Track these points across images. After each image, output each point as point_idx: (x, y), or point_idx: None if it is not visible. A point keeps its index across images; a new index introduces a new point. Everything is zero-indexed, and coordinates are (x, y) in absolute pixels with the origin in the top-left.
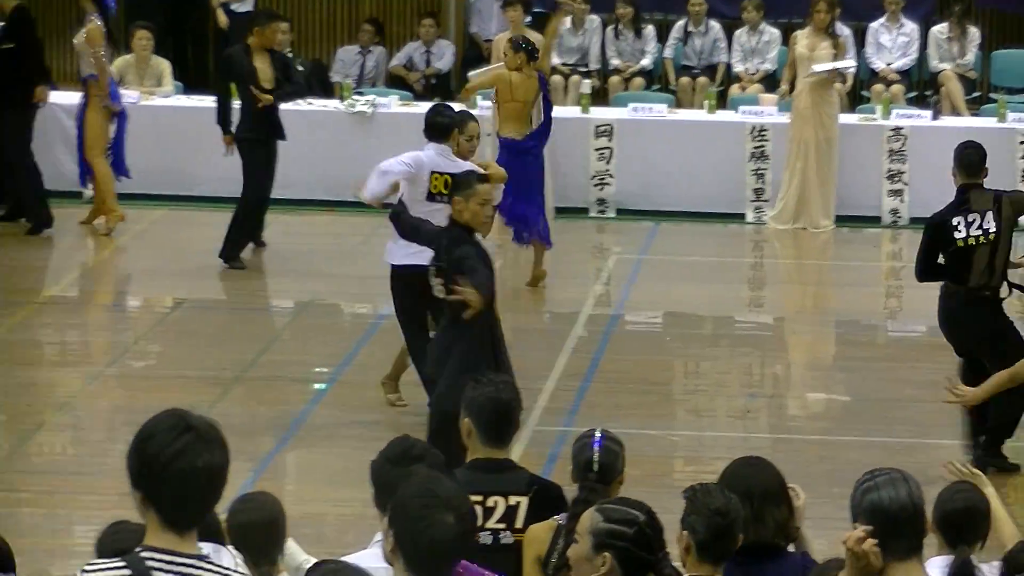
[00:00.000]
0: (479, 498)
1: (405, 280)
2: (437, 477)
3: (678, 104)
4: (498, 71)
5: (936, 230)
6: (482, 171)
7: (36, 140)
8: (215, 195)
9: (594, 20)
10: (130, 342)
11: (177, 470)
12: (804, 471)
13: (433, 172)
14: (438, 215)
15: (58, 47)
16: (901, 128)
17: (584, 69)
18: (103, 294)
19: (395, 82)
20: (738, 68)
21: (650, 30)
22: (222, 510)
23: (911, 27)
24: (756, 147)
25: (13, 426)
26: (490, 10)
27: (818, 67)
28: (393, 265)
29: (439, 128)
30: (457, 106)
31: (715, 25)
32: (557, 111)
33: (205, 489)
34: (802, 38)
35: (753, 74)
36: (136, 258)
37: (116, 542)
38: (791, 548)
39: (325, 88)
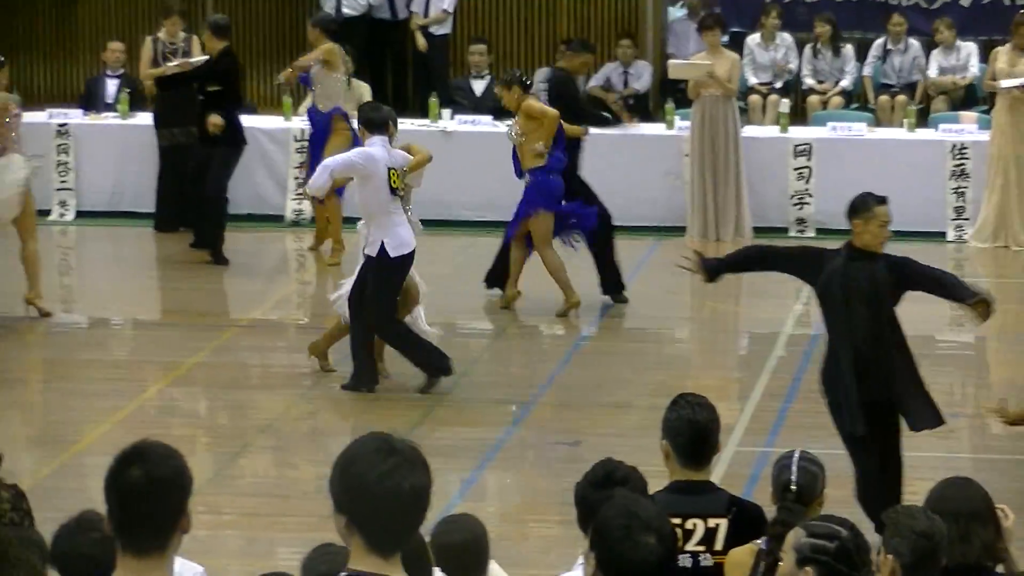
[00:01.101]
0: (678, 520)
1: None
2: (638, 499)
3: (877, 123)
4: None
5: None
6: (410, 156)
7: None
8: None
9: (786, 37)
10: (333, 364)
11: (382, 493)
12: (1007, 491)
13: (390, 168)
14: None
15: (259, 70)
16: None
17: (779, 87)
18: (305, 317)
19: (593, 103)
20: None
21: (849, 49)
22: (426, 532)
23: None
24: (956, 165)
25: (217, 448)
26: (687, 31)
27: (1005, 83)
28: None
29: (377, 122)
30: (655, 127)
31: (914, 43)
32: (755, 130)
33: (410, 512)
34: (1002, 54)
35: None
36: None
37: (322, 565)
38: (999, 569)
39: None
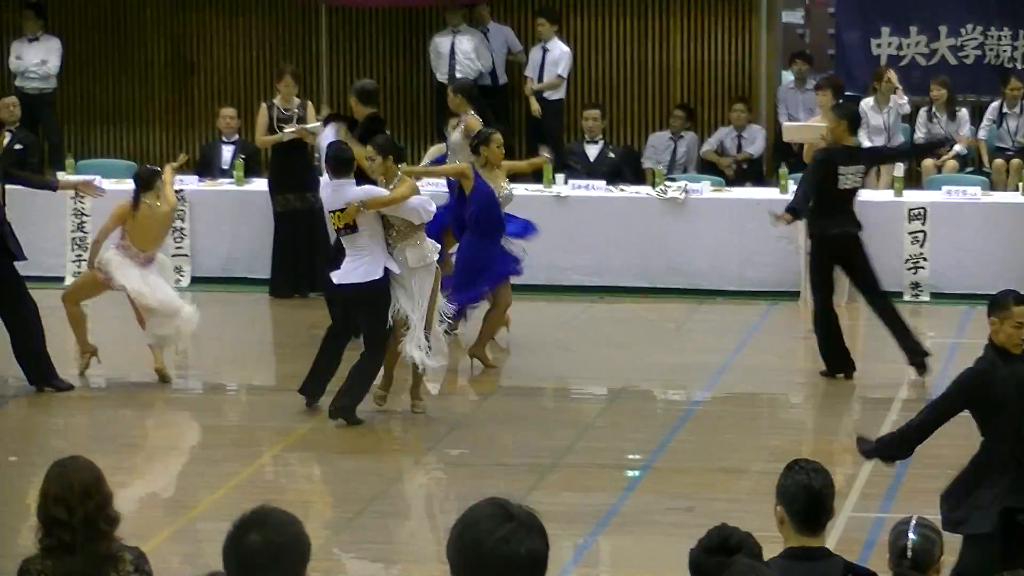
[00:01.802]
0: None
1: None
2: (755, 566)
3: (992, 186)
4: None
5: None
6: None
7: None
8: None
9: (901, 101)
10: (446, 429)
11: (499, 558)
12: None
13: (330, 211)
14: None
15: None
16: None
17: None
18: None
19: (707, 167)
20: None
21: (964, 112)
22: None
23: None
24: None
25: (332, 512)
26: (795, 99)
27: None
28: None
29: (342, 164)
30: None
31: None
32: (870, 194)
33: None
34: None
35: None
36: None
37: None
38: None
39: (637, 174)
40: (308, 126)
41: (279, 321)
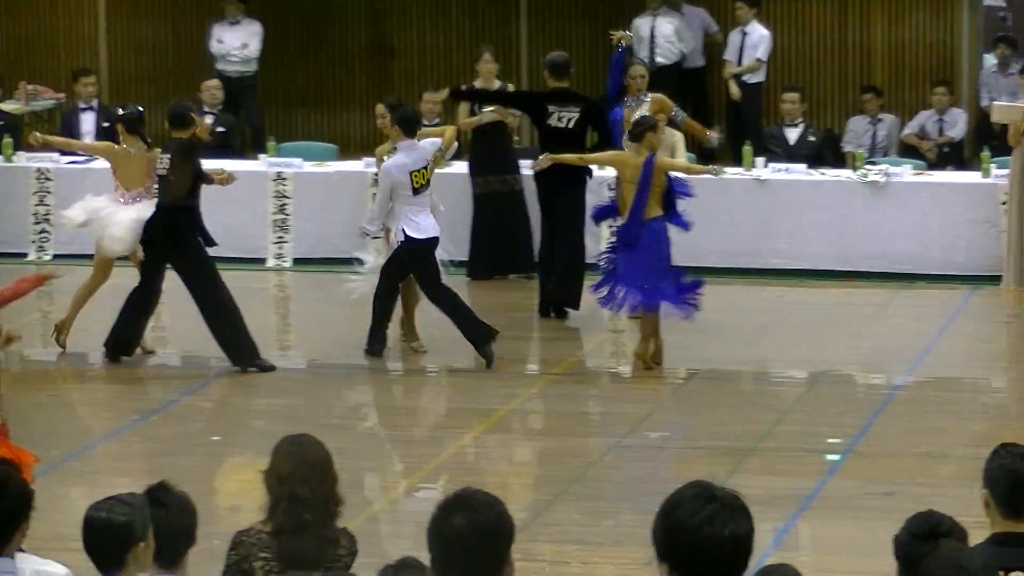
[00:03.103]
0: (1002, 573)
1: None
2: (964, 550)
3: None
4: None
5: None
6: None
7: None
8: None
9: None
10: (646, 412)
11: (704, 539)
12: None
13: (411, 172)
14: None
15: None
16: None
17: None
18: (619, 365)
19: (907, 151)
20: None
21: None
22: None
23: None
24: None
25: (533, 494)
26: (998, 83)
27: None
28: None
29: (413, 122)
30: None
31: None
32: None
33: (731, 558)
34: None
35: None
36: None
37: None
38: None
39: (837, 157)
40: (509, 108)
41: (478, 303)
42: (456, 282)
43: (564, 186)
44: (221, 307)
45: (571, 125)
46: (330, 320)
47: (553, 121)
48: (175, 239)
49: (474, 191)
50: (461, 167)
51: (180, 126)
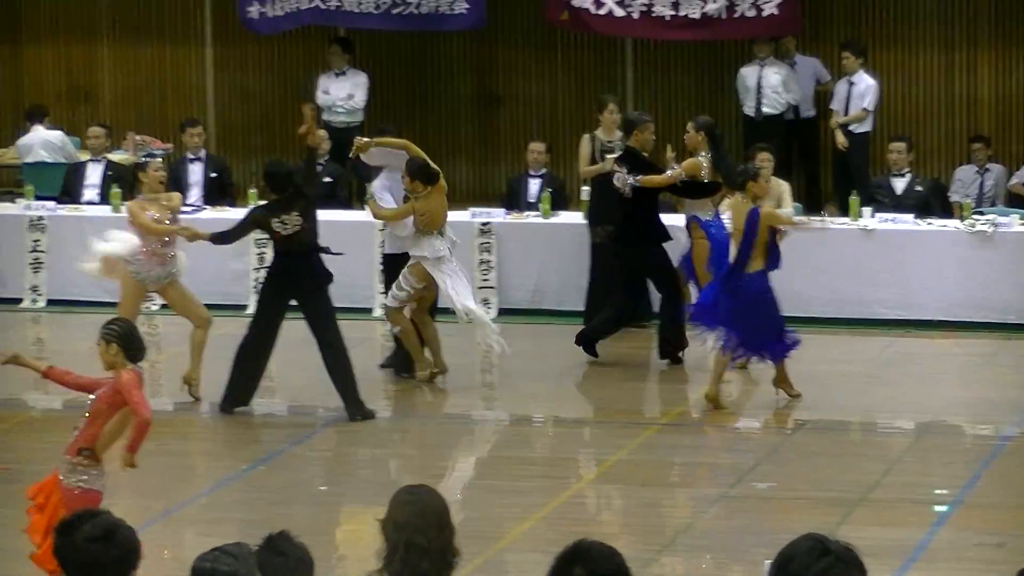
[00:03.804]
0: None
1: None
2: None
3: None
4: None
5: None
6: None
7: None
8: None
9: None
10: (752, 463)
11: None
12: None
13: None
14: None
15: None
16: None
17: None
18: (720, 416)
19: (1015, 201)
20: None
21: None
22: None
23: None
24: None
25: (640, 545)
26: None
27: None
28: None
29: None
30: None
31: None
32: None
33: None
34: None
35: None
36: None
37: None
38: None
39: (944, 207)
40: None
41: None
42: (566, 331)
43: (646, 243)
44: (338, 353)
45: (624, 189)
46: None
47: (614, 181)
48: (307, 285)
49: (592, 240)
50: (568, 216)
51: (279, 189)
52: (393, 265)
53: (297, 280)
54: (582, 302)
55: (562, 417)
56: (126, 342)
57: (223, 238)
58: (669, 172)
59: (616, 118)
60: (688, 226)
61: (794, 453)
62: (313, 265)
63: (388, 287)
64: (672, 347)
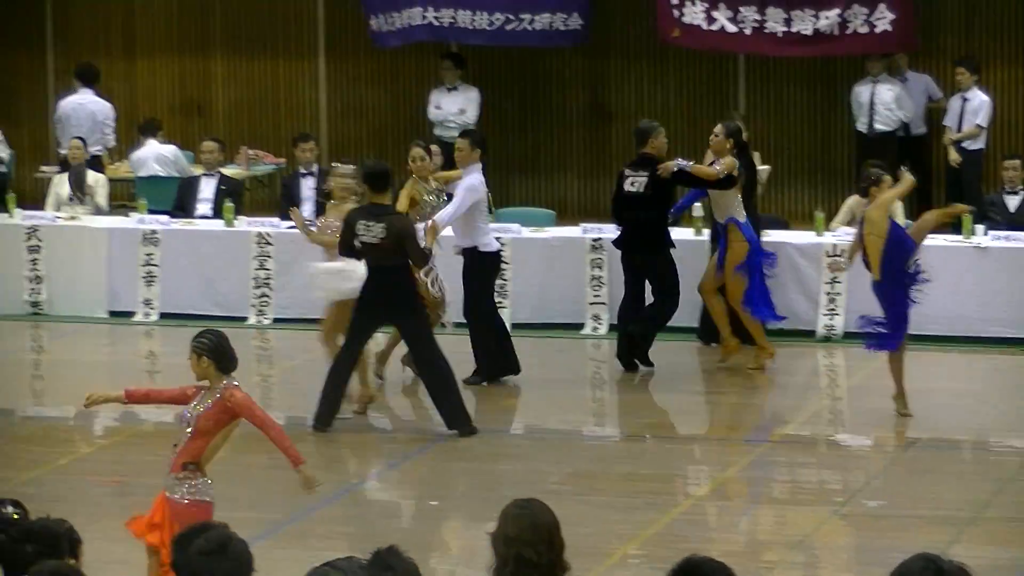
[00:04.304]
0: None
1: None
2: None
3: None
4: None
5: None
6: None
7: None
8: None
9: None
10: (863, 480)
11: None
12: None
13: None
14: None
15: (791, 186)
16: None
17: None
18: (836, 432)
19: None
20: None
21: None
22: None
23: None
24: None
25: (751, 563)
26: None
27: None
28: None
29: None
30: None
31: None
32: None
33: None
34: None
35: None
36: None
37: None
38: None
39: None
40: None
41: (707, 367)
42: (687, 347)
43: (651, 251)
44: (439, 369)
45: (642, 190)
46: (549, 385)
47: (627, 186)
48: (401, 300)
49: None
50: (690, 232)
51: (381, 188)
52: None
53: (387, 298)
54: (695, 319)
55: (673, 433)
56: (217, 354)
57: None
58: (716, 167)
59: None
60: (726, 228)
61: (905, 471)
62: (401, 283)
63: None
64: (642, 352)
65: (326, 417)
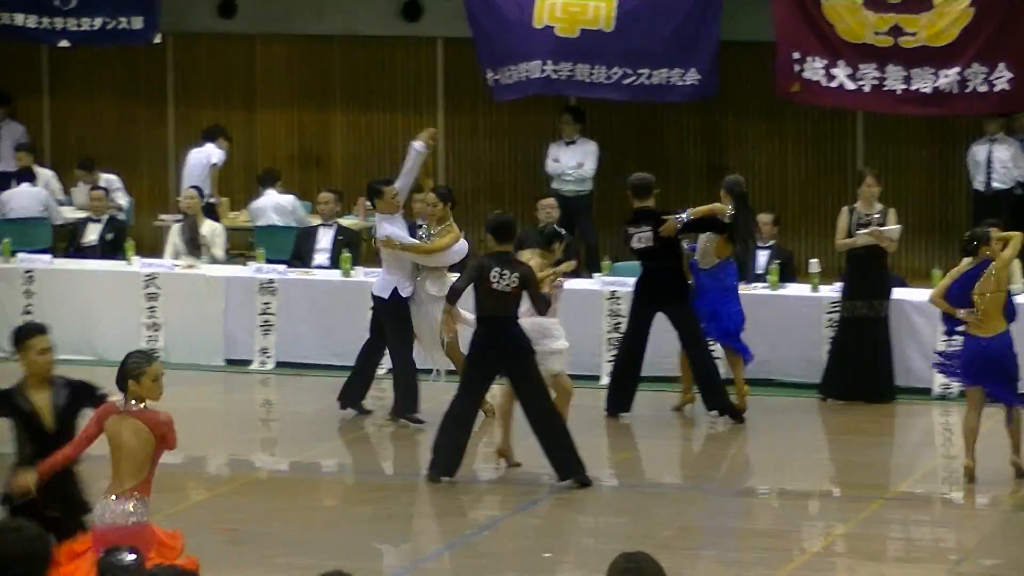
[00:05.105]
0: None
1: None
2: None
3: None
4: None
5: None
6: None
7: None
8: None
9: None
10: (978, 539)
11: None
12: None
13: None
14: None
15: (909, 243)
16: None
17: None
18: (952, 490)
19: None
20: None
21: None
22: None
23: None
24: None
25: None
26: None
27: None
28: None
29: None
30: None
31: None
32: None
33: None
34: None
35: None
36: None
37: None
38: None
39: None
40: (884, 229)
41: (827, 424)
42: (807, 404)
43: (671, 301)
44: (551, 420)
45: (649, 244)
46: (659, 436)
47: (634, 243)
48: (511, 354)
49: (841, 314)
50: (797, 288)
51: (507, 239)
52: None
53: (501, 349)
54: (813, 374)
55: (787, 488)
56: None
57: (455, 293)
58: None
59: (876, 190)
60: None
61: (1021, 529)
62: (515, 333)
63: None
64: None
65: (439, 468)
